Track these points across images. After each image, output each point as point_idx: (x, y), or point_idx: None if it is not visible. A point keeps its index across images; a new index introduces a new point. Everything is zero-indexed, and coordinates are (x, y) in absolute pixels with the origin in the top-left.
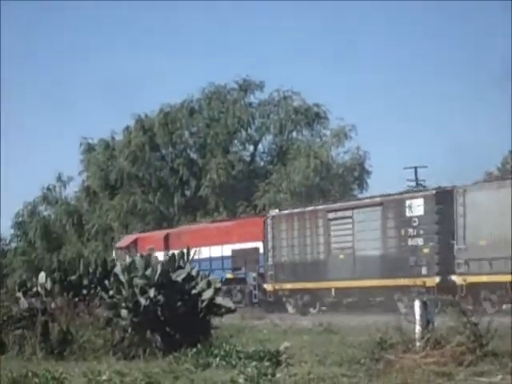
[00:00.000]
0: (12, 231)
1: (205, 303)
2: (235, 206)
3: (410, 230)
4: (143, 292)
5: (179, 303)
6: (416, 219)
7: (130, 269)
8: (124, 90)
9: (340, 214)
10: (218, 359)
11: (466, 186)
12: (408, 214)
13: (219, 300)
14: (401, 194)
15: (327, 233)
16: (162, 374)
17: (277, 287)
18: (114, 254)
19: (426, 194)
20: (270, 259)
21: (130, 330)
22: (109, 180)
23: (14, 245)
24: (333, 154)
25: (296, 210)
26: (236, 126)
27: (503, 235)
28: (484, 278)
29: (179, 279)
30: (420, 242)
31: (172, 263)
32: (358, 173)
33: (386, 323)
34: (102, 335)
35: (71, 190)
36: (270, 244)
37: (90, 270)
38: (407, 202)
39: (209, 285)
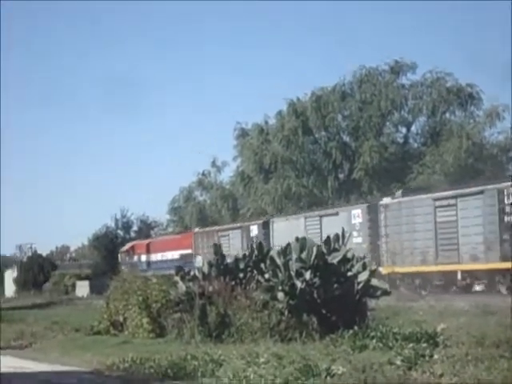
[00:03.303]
0: (168, 216)
1: (361, 285)
2: (389, 188)
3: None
4: (299, 275)
5: (335, 285)
6: (254, 238)
7: (285, 252)
8: (275, 75)
9: (224, 233)
10: (374, 341)
11: (274, 218)
12: (251, 234)
13: (375, 282)
14: (248, 222)
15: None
16: (319, 356)
17: None
18: (119, 256)
19: (258, 223)
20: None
21: (286, 312)
22: (263, 164)
23: (170, 230)
24: (486, 134)
25: (207, 229)
26: (389, 109)
27: None
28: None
29: (335, 261)
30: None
31: (327, 246)
32: None
33: None
34: (259, 318)
35: (226, 175)
36: (194, 251)
37: (246, 254)
38: (250, 228)
39: (364, 267)
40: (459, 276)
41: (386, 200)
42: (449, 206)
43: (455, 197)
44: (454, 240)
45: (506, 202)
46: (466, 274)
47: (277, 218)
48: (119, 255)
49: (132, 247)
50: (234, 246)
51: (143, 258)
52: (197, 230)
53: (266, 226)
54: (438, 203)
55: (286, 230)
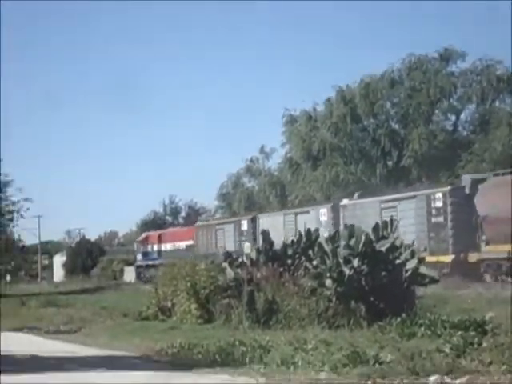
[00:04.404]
0: (216, 203)
1: (409, 273)
2: (438, 177)
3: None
4: (347, 262)
5: (383, 273)
6: (244, 231)
7: (334, 239)
8: (325, 62)
9: (220, 226)
10: (422, 329)
11: (260, 215)
12: (242, 228)
13: (423, 270)
14: (240, 217)
15: (216, 237)
16: (367, 344)
17: None
18: (135, 245)
19: (247, 218)
20: (196, 251)
21: (334, 299)
22: (311, 151)
23: (218, 216)
24: None
25: (206, 223)
26: (438, 96)
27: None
28: None
29: (383, 249)
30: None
31: (375, 233)
32: None
33: None
34: (307, 305)
35: (274, 162)
36: (195, 242)
37: (294, 240)
38: (242, 222)
39: (413, 255)
40: None
41: (345, 201)
42: (391, 207)
43: (396, 200)
44: None
45: (432, 205)
46: None
47: (262, 214)
48: (135, 244)
49: (146, 237)
50: (228, 238)
51: (155, 247)
52: (198, 223)
53: (254, 221)
54: (383, 205)
55: (269, 225)
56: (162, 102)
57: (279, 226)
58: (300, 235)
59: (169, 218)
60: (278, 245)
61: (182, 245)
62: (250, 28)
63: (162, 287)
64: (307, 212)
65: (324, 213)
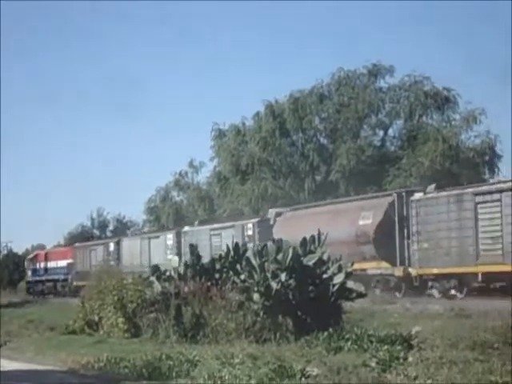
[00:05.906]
0: (144, 216)
1: (336, 287)
2: (365, 191)
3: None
4: (275, 276)
5: (310, 287)
6: (111, 252)
7: (261, 253)
8: (253, 76)
9: (93, 247)
10: (349, 343)
11: (123, 238)
12: (109, 249)
13: (350, 284)
14: (109, 240)
15: (90, 256)
16: (294, 358)
17: None
18: (25, 263)
19: (113, 241)
20: (75, 269)
21: (261, 313)
22: (240, 165)
23: (146, 229)
24: (462, 137)
25: (82, 244)
26: (366, 111)
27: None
28: None
29: (310, 263)
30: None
31: (303, 248)
32: (488, 157)
33: None
34: (234, 319)
35: (203, 176)
36: (74, 261)
37: (222, 255)
38: (109, 244)
39: (340, 269)
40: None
41: (186, 228)
42: (217, 234)
43: (220, 228)
44: None
45: (245, 233)
46: None
47: (124, 238)
48: (25, 262)
49: (36, 255)
50: (99, 257)
51: (42, 265)
52: (76, 244)
53: (118, 244)
54: (212, 232)
55: (129, 248)
56: (85, 115)
57: (136, 249)
58: (228, 249)
59: (96, 232)
60: (135, 266)
61: (64, 263)
62: (179, 40)
63: (89, 301)
64: (157, 237)
65: (170, 238)
